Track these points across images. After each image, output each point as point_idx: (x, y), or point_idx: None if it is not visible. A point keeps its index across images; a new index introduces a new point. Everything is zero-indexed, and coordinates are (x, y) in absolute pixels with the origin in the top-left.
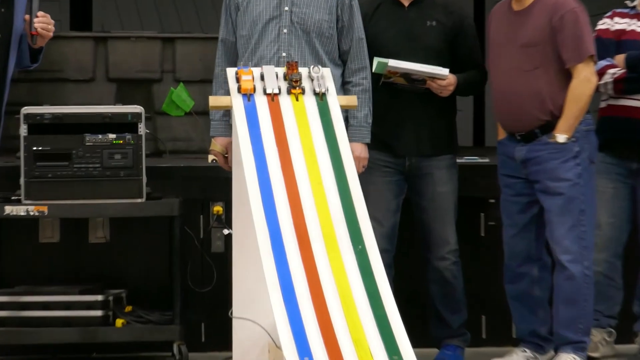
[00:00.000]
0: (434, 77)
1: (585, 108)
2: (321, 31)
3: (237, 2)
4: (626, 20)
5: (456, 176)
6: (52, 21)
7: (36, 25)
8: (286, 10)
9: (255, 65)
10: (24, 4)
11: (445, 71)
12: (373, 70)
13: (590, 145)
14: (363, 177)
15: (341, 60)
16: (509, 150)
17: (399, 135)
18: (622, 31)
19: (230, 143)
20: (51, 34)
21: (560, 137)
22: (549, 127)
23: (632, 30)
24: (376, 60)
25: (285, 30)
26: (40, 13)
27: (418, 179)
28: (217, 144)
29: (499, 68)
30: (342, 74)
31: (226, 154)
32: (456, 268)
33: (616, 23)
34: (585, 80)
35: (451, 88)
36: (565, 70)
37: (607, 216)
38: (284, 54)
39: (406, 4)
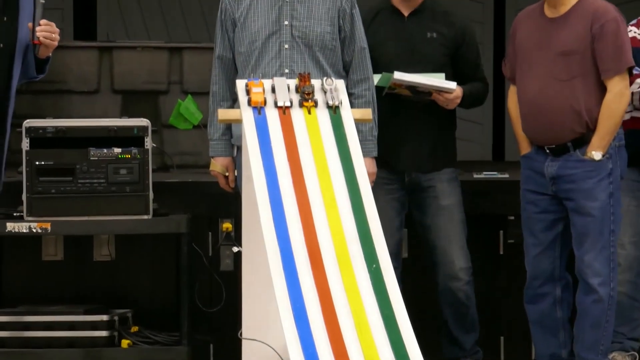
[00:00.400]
0: (440, 90)
1: (620, 123)
2: (324, 44)
3: (233, 17)
4: None
5: (459, 190)
6: (57, 30)
7: (39, 34)
8: (286, 25)
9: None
10: (30, 13)
11: (452, 85)
12: (376, 83)
13: (622, 162)
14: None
15: (345, 71)
16: (537, 165)
17: (398, 151)
18: None
19: (231, 162)
20: (56, 43)
21: (597, 155)
22: (582, 140)
23: None
24: (378, 75)
25: (286, 46)
26: (43, 21)
27: (419, 194)
28: (217, 164)
29: (530, 76)
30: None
31: (227, 174)
32: (469, 288)
33: None
34: (619, 94)
35: (457, 101)
36: (602, 82)
37: (630, 235)
38: (287, 71)
39: (406, 13)
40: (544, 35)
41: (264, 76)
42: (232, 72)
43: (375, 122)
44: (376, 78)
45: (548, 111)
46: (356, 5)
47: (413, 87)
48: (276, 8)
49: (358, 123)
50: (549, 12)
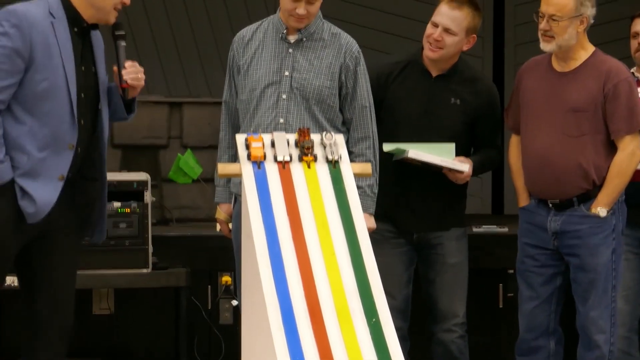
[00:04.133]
0: (451, 170)
1: (627, 182)
2: (321, 98)
3: (238, 64)
4: None
5: (466, 247)
6: (141, 69)
7: (125, 77)
8: (286, 75)
9: (254, 133)
10: (103, 56)
11: (465, 167)
12: (387, 150)
13: (623, 217)
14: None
15: (345, 128)
16: (539, 219)
17: (405, 211)
18: None
19: None
20: (142, 83)
21: (602, 211)
22: (588, 196)
23: None
24: (393, 145)
25: (284, 96)
26: (128, 63)
27: (426, 250)
28: (221, 212)
29: (538, 130)
30: (347, 142)
31: (230, 221)
32: (462, 342)
33: None
34: (631, 154)
35: (467, 179)
36: (611, 140)
37: (621, 289)
38: (281, 121)
39: (434, 74)
40: (553, 89)
41: (259, 126)
42: (238, 118)
43: (376, 181)
44: (390, 146)
45: (555, 166)
46: (361, 63)
47: (425, 164)
48: (279, 58)
49: (359, 179)
50: (558, 66)
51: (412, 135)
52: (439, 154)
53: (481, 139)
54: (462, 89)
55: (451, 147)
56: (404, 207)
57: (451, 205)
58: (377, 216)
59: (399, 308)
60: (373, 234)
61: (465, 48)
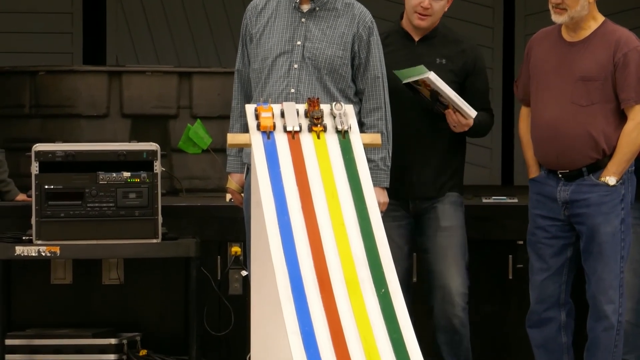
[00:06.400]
0: (458, 110)
1: (637, 151)
2: (333, 68)
3: (251, 33)
4: None
5: (462, 214)
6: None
7: None
8: (298, 45)
9: (264, 103)
10: None
11: (473, 113)
12: (404, 71)
13: (632, 187)
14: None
15: (358, 99)
16: (549, 190)
17: (401, 179)
18: None
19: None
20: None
21: (612, 180)
22: (597, 166)
23: None
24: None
25: (295, 66)
26: None
27: (421, 216)
28: (232, 181)
29: (547, 100)
30: (359, 113)
31: (242, 191)
32: (464, 315)
33: None
34: None
35: (466, 128)
36: (621, 109)
37: (629, 262)
38: (292, 90)
39: (416, 38)
40: (563, 59)
41: (270, 95)
42: (250, 87)
43: (389, 153)
44: (404, 72)
45: (565, 136)
46: (375, 33)
47: (436, 94)
48: (292, 27)
49: (371, 152)
50: (567, 37)
51: (402, 100)
52: (413, 74)
53: (473, 101)
54: (447, 49)
55: (421, 67)
56: (400, 175)
57: (447, 172)
58: None
59: (401, 280)
60: None
61: (446, 9)
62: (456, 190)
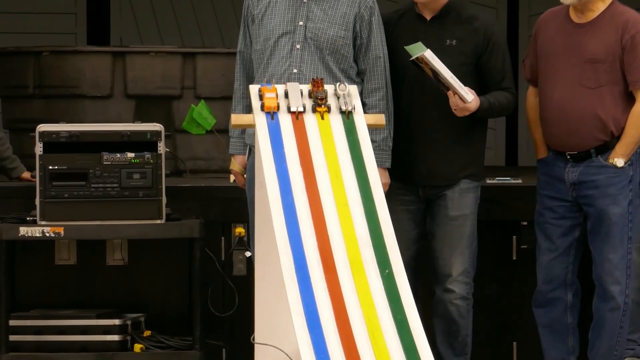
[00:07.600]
0: (456, 92)
1: None
2: (335, 48)
3: (253, 14)
4: None
5: (473, 202)
6: None
7: None
8: (300, 25)
9: (267, 83)
10: None
11: (469, 96)
12: (409, 48)
13: None
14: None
15: (360, 79)
16: (557, 171)
17: (411, 165)
18: None
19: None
20: None
21: (619, 162)
22: (605, 147)
23: None
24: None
25: (298, 46)
26: None
27: (431, 202)
28: (236, 163)
29: (555, 81)
30: (361, 93)
31: (245, 173)
32: (463, 304)
33: None
34: None
35: (466, 113)
36: (629, 91)
37: (635, 242)
38: (295, 71)
39: (428, 17)
40: (571, 40)
41: (273, 76)
42: (253, 69)
43: (390, 133)
44: (412, 48)
45: (573, 118)
46: (376, 13)
47: (435, 73)
48: (293, 8)
49: (373, 133)
50: (575, 18)
51: (410, 82)
52: (415, 52)
53: (488, 80)
54: (458, 29)
55: (419, 44)
56: (410, 161)
57: (458, 159)
58: (389, 172)
59: (407, 265)
60: None
61: None
62: (470, 177)
